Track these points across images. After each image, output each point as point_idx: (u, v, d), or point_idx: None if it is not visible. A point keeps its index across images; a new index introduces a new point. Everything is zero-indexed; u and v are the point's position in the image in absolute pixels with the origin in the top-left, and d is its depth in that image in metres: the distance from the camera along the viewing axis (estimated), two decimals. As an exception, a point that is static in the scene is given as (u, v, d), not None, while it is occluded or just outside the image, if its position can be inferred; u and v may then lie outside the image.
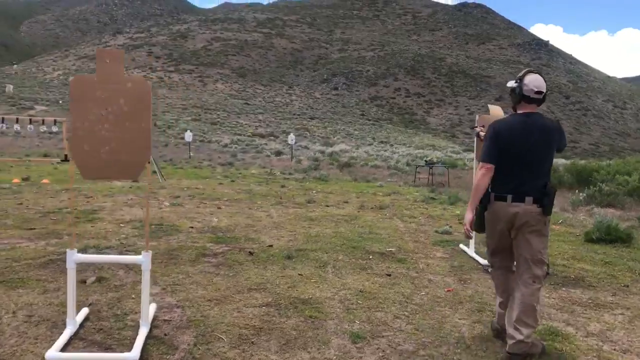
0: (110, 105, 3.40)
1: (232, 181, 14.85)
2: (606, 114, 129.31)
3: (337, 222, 8.44)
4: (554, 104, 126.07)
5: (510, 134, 3.51)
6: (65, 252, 5.49)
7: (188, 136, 26.46)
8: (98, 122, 3.39)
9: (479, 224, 3.71)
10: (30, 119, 24.53)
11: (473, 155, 6.72)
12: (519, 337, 3.40)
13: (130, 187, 12.20)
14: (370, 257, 6.17)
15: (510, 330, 3.48)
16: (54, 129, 22.17)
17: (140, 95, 3.41)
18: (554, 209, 10.07)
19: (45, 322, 3.76)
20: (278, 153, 30.58)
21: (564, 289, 5.27)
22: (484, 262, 6.00)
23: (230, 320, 3.96)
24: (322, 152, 30.24)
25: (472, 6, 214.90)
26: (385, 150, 41.86)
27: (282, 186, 13.95)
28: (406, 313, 4.33)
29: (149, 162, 3.51)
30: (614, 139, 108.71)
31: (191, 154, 28.15)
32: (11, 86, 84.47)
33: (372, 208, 10.38)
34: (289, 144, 28.44)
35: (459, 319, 4.27)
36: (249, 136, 50.73)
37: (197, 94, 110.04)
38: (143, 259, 3.61)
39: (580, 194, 11.98)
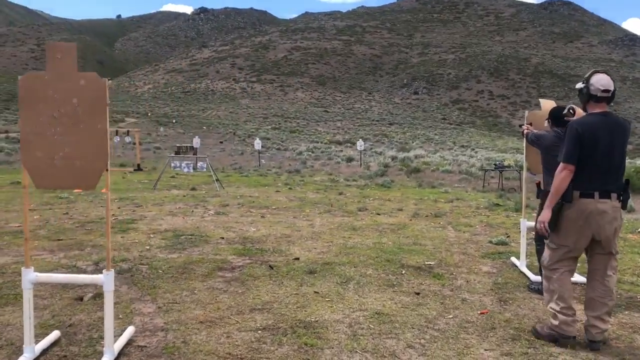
0: (63, 106, 3.04)
1: (290, 189, 14.51)
2: None
3: (381, 232, 7.83)
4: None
5: (593, 134, 3.54)
6: (77, 266, 5.35)
7: (257, 144, 26.54)
8: (50, 125, 3.05)
9: (553, 224, 3.70)
10: (116, 131, 25.38)
11: (524, 156, 5.92)
12: (605, 326, 3.68)
13: (185, 196, 12.12)
14: (403, 271, 5.53)
15: (594, 322, 3.65)
16: (127, 139, 22.82)
17: (95, 94, 3.04)
18: (635, 216, 8.96)
19: (7, 347, 3.46)
20: (349, 159, 30.07)
21: (626, 312, 4.43)
22: (535, 278, 5.23)
23: (212, 347, 3.51)
24: (394, 158, 29.42)
25: (559, 4, 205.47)
26: (464, 155, 40.37)
27: (340, 193, 13.45)
28: (422, 341, 3.71)
29: (107, 170, 3.13)
30: None
31: (263, 161, 28.24)
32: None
33: (426, 216, 9.66)
34: (358, 150, 27.88)
35: (486, 349, 3.60)
36: (325, 143, 50.59)
37: (278, 103, 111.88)
38: (104, 279, 3.22)
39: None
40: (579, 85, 3.72)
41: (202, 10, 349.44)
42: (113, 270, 3.27)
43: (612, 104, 3.81)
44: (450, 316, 4.23)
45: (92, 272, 5.17)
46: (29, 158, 3.07)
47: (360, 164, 25.87)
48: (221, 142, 44.84)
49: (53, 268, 5.28)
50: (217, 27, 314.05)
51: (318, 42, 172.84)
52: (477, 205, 11.48)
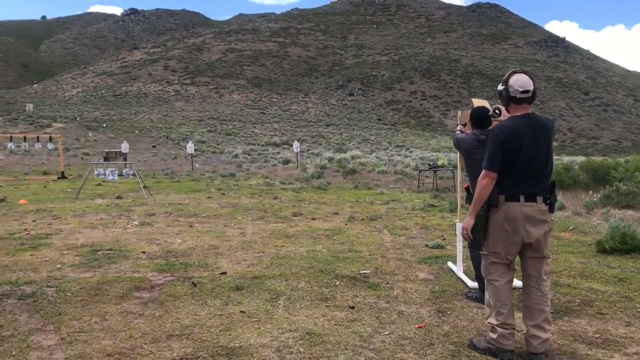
0: None
1: (223, 194, 14.00)
2: (627, 108, 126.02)
3: (316, 239, 7.51)
4: (572, 101, 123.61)
5: (516, 138, 3.42)
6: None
7: (189, 148, 25.78)
8: None
9: (480, 230, 3.58)
10: (37, 137, 24.01)
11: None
12: (546, 335, 3.49)
13: (109, 205, 11.42)
14: (337, 283, 5.22)
15: (535, 331, 3.49)
16: (50, 146, 21.59)
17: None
18: (566, 213, 9.01)
19: None
20: (285, 162, 29.74)
21: (565, 318, 4.29)
22: (472, 284, 5.04)
23: (117, 386, 3.07)
24: (331, 159, 29.29)
25: (486, 6, 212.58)
26: (399, 155, 40.81)
27: (275, 197, 13.08)
28: (356, 364, 3.39)
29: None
30: (637, 134, 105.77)
31: (196, 165, 27.48)
32: (31, 105, 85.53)
33: (362, 220, 9.43)
34: (295, 151, 27.58)
35: (424, 370, 3.32)
36: (262, 146, 50.02)
37: (214, 105, 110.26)
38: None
39: (596, 194, 10.89)
40: (499, 87, 3.61)
41: (133, 12, 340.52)
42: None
43: (536, 102, 3.69)
44: (387, 332, 3.94)
45: (-12, 299, 4.58)
46: None
47: (297, 166, 25.58)
48: (154, 147, 43.54)
49: (-58, 296, 4.66)
50: (148, 28, 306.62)
51: (253, 43, 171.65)
52: (412, 206, 11.37)
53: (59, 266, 5.79)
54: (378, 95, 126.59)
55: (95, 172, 13.57)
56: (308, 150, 43.96)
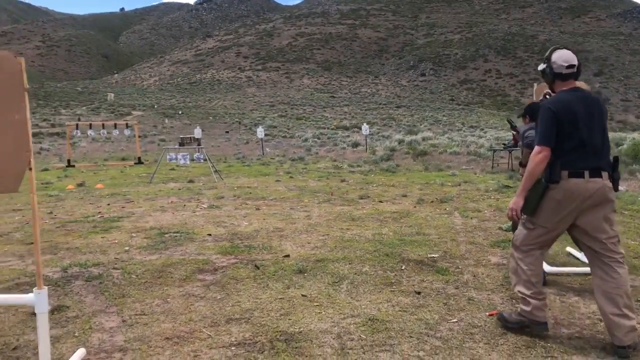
0: (-28, 93, 2.52)
1: (291, 177, 13.97)
2: None
3: (382, 222, 7.28)
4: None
5: (571, 111, 3.25)
6: (44, 275, 4.85)
7: (260, 132, 25.99)
8: (-42, 117, 2.54)
9: (534, 206, 3.34)
10: (115, 125, 24.89)
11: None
12: (632, 322, 3.16)
13: (180, 189, 11.63)
14: (403, 267, 5.00)
15: (617, 319, 3.16)
16: (127, 133, 22.33)
17: (9, 77, 2.51)
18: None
19: None
20: (355, 145, 29.47)
21: (657, 308, 3.88)
22: (549, 269, 4.68)
23: (172, 371, 3.00)
24: (401, 141, 28.78)
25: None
26: (473, 135, 39.60)
27: (342, 180, 12.90)
28: (421, 353, 3.17)
29: (30, 169, 2.60)
30: None
31: (267, 150, 27.73)
32: (112, 94, 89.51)
33: (432, 202, 9.10)
34: (363, 134, 27.27)
35: (495, 362, 3.07)
36: (332, 129, 49.92)
37: (284, 90, 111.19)
38: (35, 299, 2.70)
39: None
40: (541, 66, 3.49)
41: (205, 0, 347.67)
42: (46, 288, 2.74)
43: (621, 78, 3.49)
44: (455, 320, 3.70)
45: (59, 280, 4.68)
46: (-64, 158, 2.56)
47: (366, 149, 25.29)
48: (227, 132, 44.39)
49: (15, 277, 4.80)
50: (220, 16, 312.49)
51: (322, 27, 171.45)
52: (486, 188, 10.89)
53: (126, 248, 5.87)
54: (451, 74, 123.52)
55: (168, 156, 13.89)
56: (378, 132, 43.43)
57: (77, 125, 21.72)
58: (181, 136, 35.35)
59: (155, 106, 74.16)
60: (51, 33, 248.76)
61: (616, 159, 3.36)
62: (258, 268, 4.98)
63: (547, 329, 3.42)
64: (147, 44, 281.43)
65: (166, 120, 53.36)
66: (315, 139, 36.93)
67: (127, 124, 22.70)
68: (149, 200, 9.95)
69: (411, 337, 3.41)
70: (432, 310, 3.89)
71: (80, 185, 12.80)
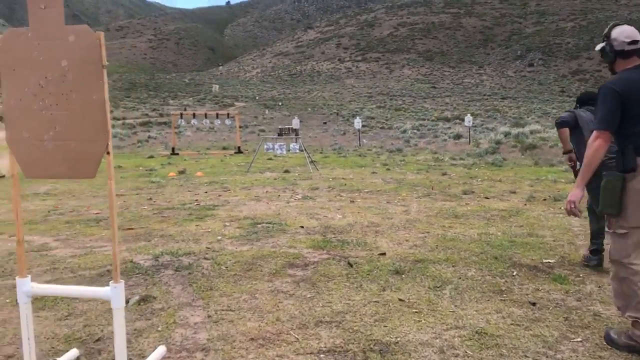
0: (51, 71, 2.35)
1: (388, 169, 13.52)
2: None
3: (489, 220, 6.70)
4: None
5: (637, 90, 2.91)
6: (133, 261, 4.79)
7: (357, 123, 25.68)
8: (36, 96, 2.37)
9: (617, 204, 2.92)
10: (216, 114, 25.53)
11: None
12: None
13: (276, 179, 11.55)
14: (515, 273, 4.46)
15: None
16: (228, 123, 22.79)
17: (87, 54, 2.31)
18: None
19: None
20: (457, 137, 28.41)
21: None
22: None
23: (254, 378, 2.73)
24: (507, 134, 27.38)
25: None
26: (584, 129, 37.01)
27: (444, 174, 12.28)
28: (539, 380, 2.70)
29: (107, 152, 2.40)
30: None
31: (364, 141, 27.38)
32: (216, 86, 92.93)
33: (544, 200, 8.34)
34: (466, 126, 26.17)
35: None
36: (432, 120, 48.69)
37: (384, 81, 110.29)
38: (111, 293, 2.51)
39: None
40: (599, 45, 3.17)
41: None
42: (123, 282, 2.54)
43: None
44: (578, 339, 3.17)
45: (149, 268, 4.59)
46: (14, 140, 2.42)
47: (469, 141, 24.26)
48: (324, 123, 44.49)
49: (108, 263, 4.77)
50: (322, 7, 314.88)
51: (425, 16, 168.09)
52: (604, 186, 9.93)
53: (219, 238, 5.74)
54: (561, 65, 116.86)
55: (265, 146, 13.91)
56: (481, 124, 41.75)
57: (181, 114, 22.47)
58: (280, 127, 35.60)
59: (257, 97, 76.03)
60: (162, 27, 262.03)
61: None
62: (351, 266, 4.64)
63: None
64: (250, 36, 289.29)
65: (266, 111, 54.43)
66: (415, 131, 36.06)
67: (228, 114, 23.18)
68: (245, 189, 9.91)
69: (526, 356, 2.94)
70: (550, 325, 3.37)
71: (181, 172, 13.10)
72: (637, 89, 2.93)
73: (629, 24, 3.12)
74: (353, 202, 8.20)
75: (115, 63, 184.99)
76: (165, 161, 17.48)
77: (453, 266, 4.64)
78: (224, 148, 24.84)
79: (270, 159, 17.01)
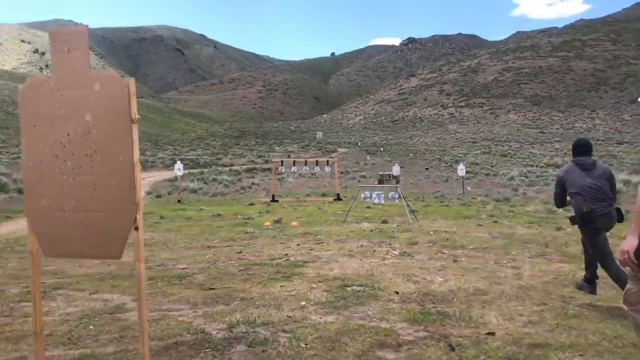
0: (73, 126, 1.93)
1: (495, 222, 12.44)
2: None
3: (619, 290, 5.65)
4: None
5: None
6: (205, 331, 4.29)
7: (460, 170, 24.54)
8: (58, 157, 1.96)
9: None
10: (316, 161, 25.54)
11: None
12: None
13: (372, 231, 10.89)
14: (665, 370, 3.51)
15: None
16: (327, 169, 22.57)
17: (114, 105, 1.87)
18: None
19: None
20: (570, 185, 26.42)
21: None
22: None
23: None
24: (627, 182, 25.05)
25: None
26: None
27: (558, 228, 11.06)
28: None
29: (136, 228, 1.91)
30: None
31: (468, 188, 26.14)
32: (320, 133, 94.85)
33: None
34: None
35: None
36: (541, 167, 46.11)
37: (488, 126, 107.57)
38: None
39: None
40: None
41: (410, 41, 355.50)
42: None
43: None
44: None
45: (220, 342, 4.08)
46: (33, 210, 2.01)
47: (584, 191, 22.37)
48: (426, 169, 43.44)
49: (178, 332, 4.32)
50: (424, 55, 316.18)
51: (532, 60, 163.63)
52: None
53: (303, 303, 5.17)
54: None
55: (362, 195, 13.33)
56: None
57: (282, 162, 22.54)
58: (380, 173, 35.26)
59: (359, 143, 76.40)
60: (271, 78, 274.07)
61: None
62: (453, 349, 3.88)
63: None
64: (354, 85, 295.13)
65: (368, 157, 54.19)
66: (522, 177, 34.12)
67: (327, 161, 22.98)
68: (339, 242, 9.34)
69: None
70: None
71: (277, 222, 12.81)
72: None
73: None
74: (456, 261, 7.36)
75: (227, 112, 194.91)
76: (264, 209, 17.39)
77: (581, 355, 3.75)
78: (323, 195, 24.59)
79: (369, 207, 16.40)
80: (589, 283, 5.47)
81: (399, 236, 9.94)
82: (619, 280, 4.97)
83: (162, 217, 14.42)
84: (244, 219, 14.09)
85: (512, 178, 33.86)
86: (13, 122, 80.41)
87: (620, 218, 5.37)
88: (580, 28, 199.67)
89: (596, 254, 5.37)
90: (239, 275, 6.49)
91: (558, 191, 5.57)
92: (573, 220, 5.47)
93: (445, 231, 10.63)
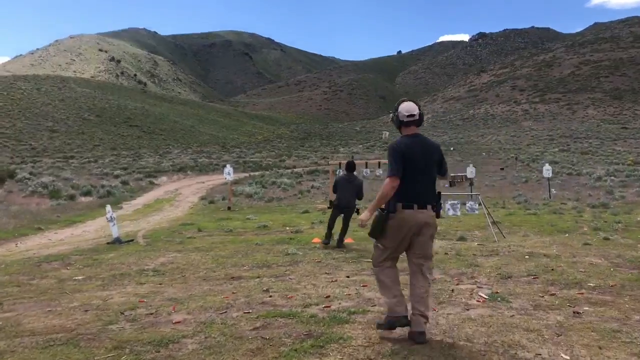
0: None
1: (606, 239, 9.74)
2: None
3: None
4: None
5: (410, 152, 4.14)
6: None
7: (547, 171, 21.52)
8: None
9: (380, 230, 4.18)
10: (379, 163, 23.31)
11: None
12: (427, 317, 4.14)
13: (447, 253, 8.50)
14: None
15: (422, 309, 4.11)
16: (379, 172, 20.27)
17: None
18: None
19: None
20: (676, 186, 22.84)
21: None
22: None
23: None
24: None
25: None
26: None
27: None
28: None
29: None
30: None
31: (553, 191, 23.06)
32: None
33: None
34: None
35: None
36: (628, 165, 41.75)
37: (565, 122, 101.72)
38: None
39: None
40: (391, 115, 4.40)
41: (481, 36, 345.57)
42: None
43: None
44: None
45: None
46: None
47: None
48: (502, 169, 40.14)
49: None
50: (495, 50, 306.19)
51: (611, 52, 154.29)
52: None
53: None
54: None
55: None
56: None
57: (339, 164, 20.33)
58: (452, 174, 32.52)
59: (427, 142, 73.17)
60: (336, 79, 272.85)
61: (439, 193, 4.29)
62: None
63: (406, 321, 4.15)
64: (421, 83, 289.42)
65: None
66: (611, 177, 30.47)
67: (366, 163, 20.59)
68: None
69: None
70: None
71: (327, 239, 10.64)
72: (409, 150, 4.14)
73: (412, 101, 4.30)
74: (577, 314, 4.92)
75: (293, 114, 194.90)
76: (319, 217, 15.30)
77: None
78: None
79: (447, 215, 13.98)
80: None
81: (483, 263, 7.52)
82: None
83: (199, 230, 12.59)
84: (291, 231, 12.04)
85: (599, 178, 30.31)
86: (88, 128, 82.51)
87: None
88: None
89: None
90: (250, 341, 4.29)
91: None
92: None
93: (544, 254, 8.11)
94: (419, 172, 4.11)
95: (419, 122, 4.26)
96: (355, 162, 18.02)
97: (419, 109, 4.27)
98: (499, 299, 5.46)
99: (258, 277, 6.91)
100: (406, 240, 4.15)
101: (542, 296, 5.56)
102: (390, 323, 4.16)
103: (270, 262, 8.01)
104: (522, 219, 13.72)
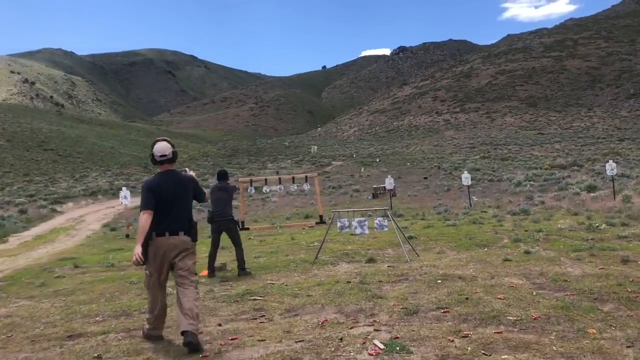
0: None
1: (527, 252, 8.78)
2: None
3: None
4: None
5: (159, 189, 4.80)
6: None
7: (465, 179, 20.89)
8: None
9: (145, 255, 4.69)
10: (293, 178, 22.12)
11: None
12: (196, 325, 4.58)
13: (349, 282, 7.26)
14: None
15: (188, 320, 4.51)
16: (306, 187, 18.95)
17: None
18: None
19: None
20: (590, 188, 22.85)
21: None
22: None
23: None
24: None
25: None
26: None
27: (625, 260, 7.47)
28: None
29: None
30: None
31: (474, 199, 22.54)
32: (315, 147, 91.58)
33: None
34: (608, 175, 20.63)
35: None
36: (546, 169, 42.62)
37: (485, 130, 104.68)
38: None
39: None
40: (149, 153, 5.01)
41: (401, 50, 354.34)
42: None
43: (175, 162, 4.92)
44: None
45: None
46: None
47: (613, 196, 18.81)
48: (425, 178, 39.92)
49: None
50: (416, 63, 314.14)
51: (524, 62, 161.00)
52: None
53: None
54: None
55: (338, 224, 9.59)
56: (614, 172, 35.29)
57: (251, 181, 18.91)
58: (374, 186, 31.76)
59: (354, 155, 73.08)
60: (263, 95, 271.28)
61: (190, 220, 4.91)
62: None
63: (162, 340, 4.94)
64: (347, 97, 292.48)
65: (362, 169, 50.65)
66: (531, 182, 30.55)
67: (306, 176, 19.33)
68: (290, 314, 5.70)
69: None
70: None
71: (219, 269, 9.20)
72: (158, 187, 4.79)
73: (165, 141, 4.88)
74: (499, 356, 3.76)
75: (220, 132, 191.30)
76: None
77: None
78: (307, 217, 21.05)
79: (354, 234, 12.86)
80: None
81: (388, 293, 6.30)
82: None
83: (76, 266, 10.80)
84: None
85: (519, 183, 30.32)
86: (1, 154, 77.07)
87: None
88: (571, 27, 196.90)
89: None
90: None
91: None
92: None
93: (459, 276, 7.00)
94: (169, 205, 4.75)
95: (171, 159, 4.88)
96: (255, 178, 17.33)
97: (172, 147, 4.87)
98: (398, 348, 4.22)
99: (104, 333, 5.39)
100: (164, 264, 4.78)
101: (452, 340, 4.37)
102: (149, 337, 4.95)
103: (134, 309, 6.48)
104: (440, 231, 12.75)
